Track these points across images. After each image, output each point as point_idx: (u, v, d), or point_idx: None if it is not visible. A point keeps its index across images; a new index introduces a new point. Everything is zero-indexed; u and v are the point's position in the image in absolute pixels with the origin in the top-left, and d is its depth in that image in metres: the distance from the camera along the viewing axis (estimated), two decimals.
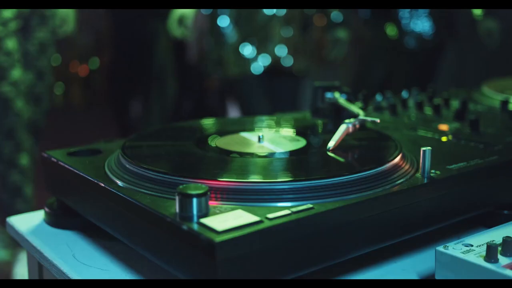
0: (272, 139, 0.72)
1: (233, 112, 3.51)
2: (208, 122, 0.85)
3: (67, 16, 2.05)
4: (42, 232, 0.69)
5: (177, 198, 0.50)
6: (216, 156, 0.67)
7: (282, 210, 0.50)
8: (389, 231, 0.58)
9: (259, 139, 0.71)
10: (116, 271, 0.59)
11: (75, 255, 0.63)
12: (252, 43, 2.28)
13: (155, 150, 0.70)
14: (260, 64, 2.31)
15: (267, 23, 2.27)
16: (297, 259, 0.51)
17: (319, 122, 0.85)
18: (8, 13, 1.78)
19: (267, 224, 0.48)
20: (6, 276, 1.85)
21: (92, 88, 4.73)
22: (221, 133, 0.76)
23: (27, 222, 0.72)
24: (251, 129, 0.79)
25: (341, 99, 0.84)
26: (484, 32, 2.46)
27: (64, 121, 4.06)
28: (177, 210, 0.50)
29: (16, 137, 1.85)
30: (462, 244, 0.53)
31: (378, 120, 0.72)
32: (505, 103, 0.95)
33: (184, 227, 0.48)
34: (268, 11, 2.25)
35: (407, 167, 0.63)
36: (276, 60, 2.32)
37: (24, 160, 1.87)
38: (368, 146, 0.71)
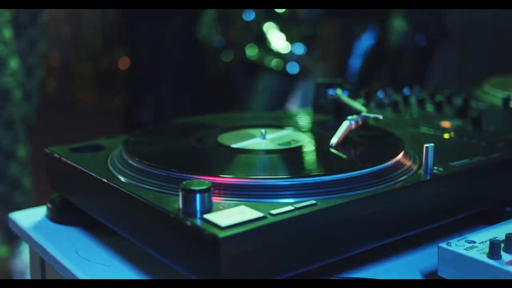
0: (275, 135, 0.72)
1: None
2: (211, 118, 0.84)
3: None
4: (45, 228, 0.69)
5: (180, 194, 0.50)
6: (219, 152, 0.67)
7: (285, 206, 0.51)
8: (391, 227, 0.58)
9: (262, 135, 0.71)
10: (118, 267, 0.59)
11: (77, 251, 0.63)
12: None
13: (158, 145, 0.70)
14: None
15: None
16: (300, 255, 0.51)
17: (322, 118, 0.85)
18: None
19: (270, 220, 0.48)
20: (4, 272, 1.85)
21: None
22: (224, 129, 0.76)
23: (30, 218, 0.72)
24: (254, 125, 0.79)
25: (344, 96, 0.84)
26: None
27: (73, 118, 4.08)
28: (181, 206, 0.50)
29: (15, 128, 1.84)
30: (465, 241, 0.53)
31: (380, 117, 0.72)
32: (507, 100, 0.95)
33: (188, 222, 0.48)
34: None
35: (409, 164, 0.63)
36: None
37: (21, 152, 1.86)
38: (371, 142, 0.71)
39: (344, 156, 0.65)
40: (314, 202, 0.52)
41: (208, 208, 0.50)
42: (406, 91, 1.01)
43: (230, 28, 2.39)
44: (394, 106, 0.92)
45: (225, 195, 0.54)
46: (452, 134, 0.77)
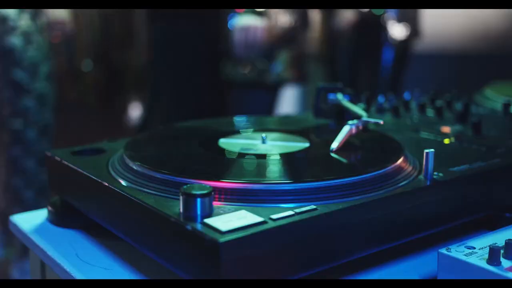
0: (275, 139, 0.73)
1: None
2: (212, 122, 0.85)
3: None
4: (46, 231, 0.70)
5: (181, 198, 0.50)
6: (220, 157, 0.67)
7: (286, 211, 0.51)
8: (391, 233, 0.58)
9: (263, 140, 0.71)
10: (119, 271, 0.60)
11: (78, 254, 0.63)
12: None
13: (159, 149, 0.70)
14: None
15: None
16: (300, 260, 0.51)
17: (322, 123, 0.85)
18: None
19: (271, 224, 0.48)
20: (4, 274, 1.85)
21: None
22: (225, 133, 0.76)
23: (30, 220, 0.72)
24: (253, 129, 0.79)
25: (344, 101, 0.84)
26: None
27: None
28: (181, 210, 0.50)
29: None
30: (465, 247, 0.53)
31: (381, 122, 0.72)
32: (507, 105, 0.95)
33: (188, 227, 0.48)
34: None
35: (410, 169, 0.63)
36: None
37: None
38: (371, 147, 0.71)
39: (344, 161, 0.65)
40: (314, 207, 0.52)
41: (209, 212, 0.50)
42: (406, 95, 1.01)
43: None
44: (394, 111, 0.93)
45: (226, 199, 0.54)
46: (453, 139, 0.77)
